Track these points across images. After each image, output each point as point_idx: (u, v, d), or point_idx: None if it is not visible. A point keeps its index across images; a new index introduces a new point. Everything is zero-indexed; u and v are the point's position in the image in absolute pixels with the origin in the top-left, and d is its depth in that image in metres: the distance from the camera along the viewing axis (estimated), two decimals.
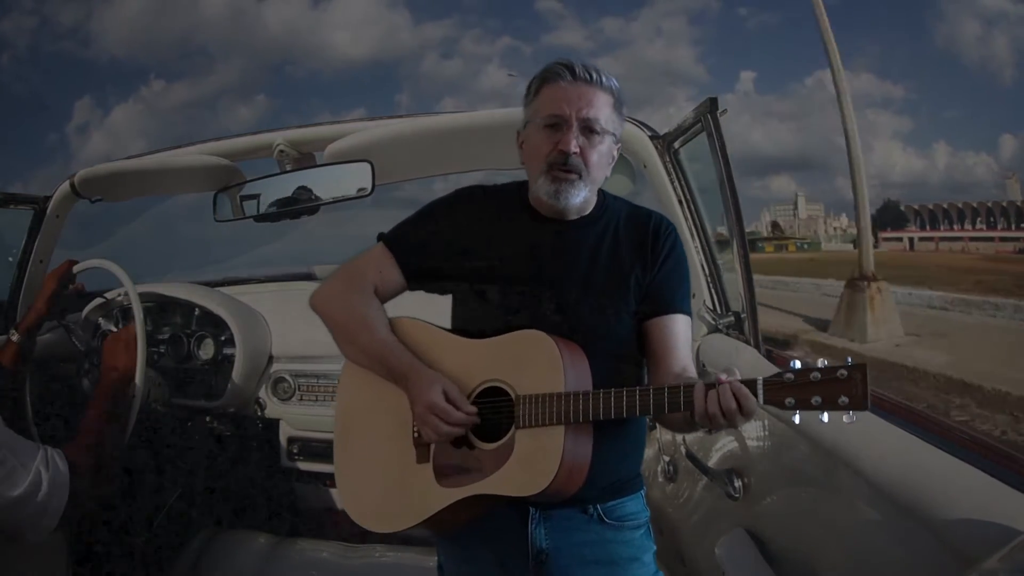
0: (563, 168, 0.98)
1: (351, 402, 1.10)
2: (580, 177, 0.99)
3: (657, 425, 1.98)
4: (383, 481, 1.03)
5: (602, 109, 0.99)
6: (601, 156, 1.01)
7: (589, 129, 0.99)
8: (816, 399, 0.82)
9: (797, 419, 0.84)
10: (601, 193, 1.09)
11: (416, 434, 1.01)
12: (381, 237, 1.10)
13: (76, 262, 1.74)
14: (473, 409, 0.97)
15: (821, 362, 0.83)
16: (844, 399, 0.81)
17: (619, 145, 1.05)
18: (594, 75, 0.99)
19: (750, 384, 0.85)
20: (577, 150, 0.98)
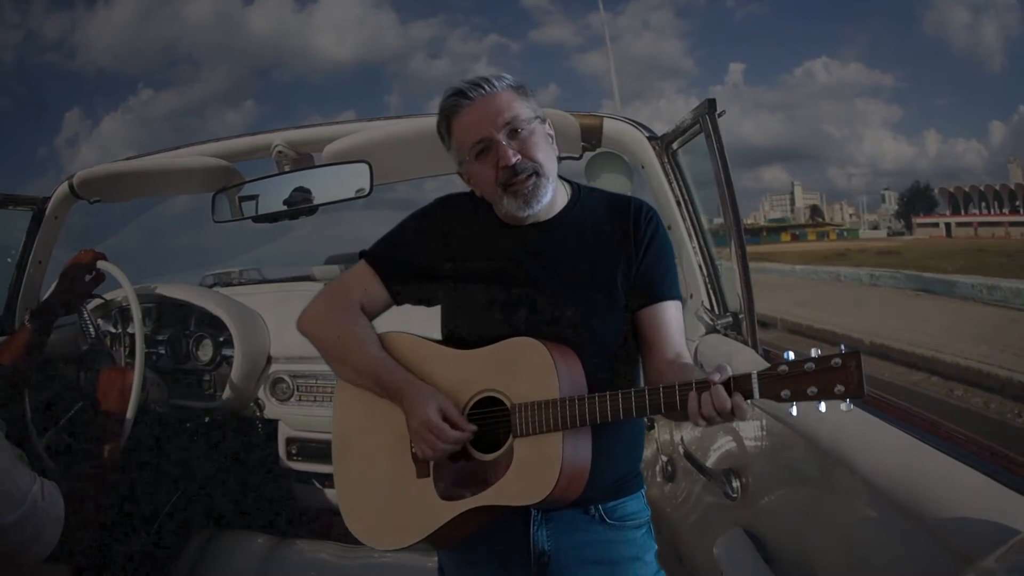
0: (517, 180, 0.97)
1: (347, 421, 1.09)
2: (537, 175, 0.98)
3: (655, 424, 1.99)
4: (385, 498, 1.03)
5: (513, 107, 0.99)
6: (540, 144, 1.00)
7: (514, 130, 0.98)
8: (812, 389, 0.81)
9: (795, 411, 0.84)
10: (575, 187, 1.08)
11: (415, 449, 1.00)
12: (363, 255, 1.10)
13: (102, 255, 1.73)
14: (470, 427, 0.97)
15: (815, 352, 0.82)
16: (840, 387, 0.80)
17: (548, 122, 1.04)
18: (485, 86, 0.99)
19: (745, 379, 0.84)
20: (518, 157, 0.97)
